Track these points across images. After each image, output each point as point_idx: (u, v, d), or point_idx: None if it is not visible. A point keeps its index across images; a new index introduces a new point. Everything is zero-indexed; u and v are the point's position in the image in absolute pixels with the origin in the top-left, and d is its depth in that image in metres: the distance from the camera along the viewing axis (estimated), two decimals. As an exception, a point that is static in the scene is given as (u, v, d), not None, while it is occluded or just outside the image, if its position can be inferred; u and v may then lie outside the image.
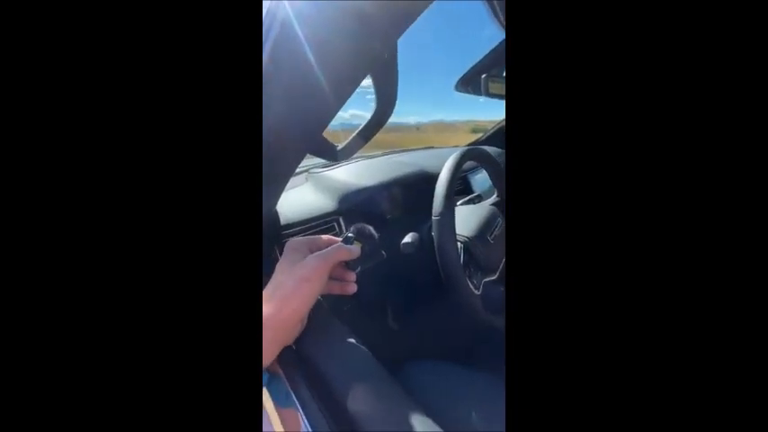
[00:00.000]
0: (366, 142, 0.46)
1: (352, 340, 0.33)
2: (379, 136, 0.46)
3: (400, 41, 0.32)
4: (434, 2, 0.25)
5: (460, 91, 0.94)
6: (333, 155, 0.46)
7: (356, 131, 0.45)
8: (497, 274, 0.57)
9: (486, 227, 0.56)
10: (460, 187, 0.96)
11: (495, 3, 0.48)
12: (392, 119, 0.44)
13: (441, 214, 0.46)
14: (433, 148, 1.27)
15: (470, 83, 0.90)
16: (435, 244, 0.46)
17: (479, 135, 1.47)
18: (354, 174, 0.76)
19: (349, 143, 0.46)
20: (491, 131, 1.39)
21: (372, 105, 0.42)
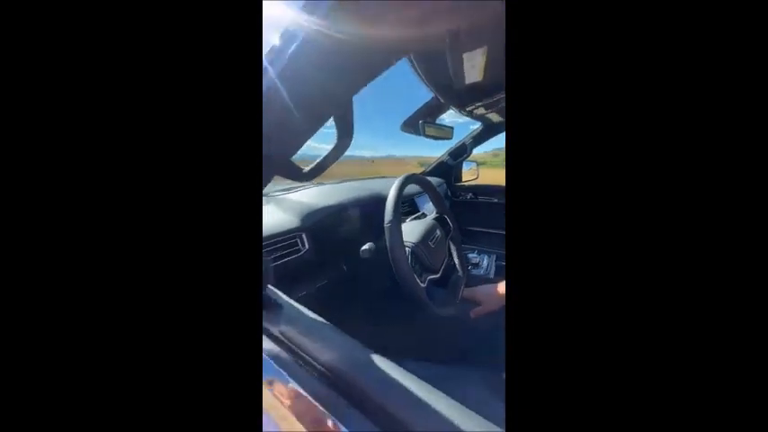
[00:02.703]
0: (326, 168, 0.58)
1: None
2: (338, 167, 0.58)
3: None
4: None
5: (404, 131, 1.15)
6: (300, 176, 0.56)
7: (320, 158, 0.56)
8: (440, 273, 0.70)
9: (427, 235, 0.70)
10: (409, 209, 1.12)
11: (420, 73, 0.67)
12: (350, 152, 0.56)
13: (390, 222, 0.58)
14: (385, 177, 1.44)
15: (412, 125, 1.12)
16: (387, 245, 0.57)
17: (425, 168, 1.73)
18: (314, 196, 0.86)
19: (314, 167, 0.57)
20: (432, 165, 1.65)
21: (329, 139, 0.53)
